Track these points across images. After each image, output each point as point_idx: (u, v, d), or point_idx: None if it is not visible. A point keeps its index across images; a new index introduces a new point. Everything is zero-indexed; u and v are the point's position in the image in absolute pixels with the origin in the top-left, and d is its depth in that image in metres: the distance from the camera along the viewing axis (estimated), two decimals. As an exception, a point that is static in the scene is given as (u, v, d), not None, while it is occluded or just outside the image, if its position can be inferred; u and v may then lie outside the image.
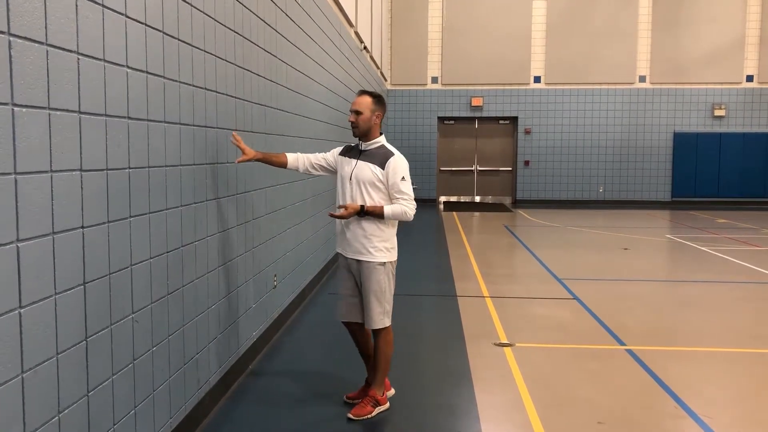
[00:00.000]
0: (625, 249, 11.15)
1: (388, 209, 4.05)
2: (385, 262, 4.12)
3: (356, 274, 4.18)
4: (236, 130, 4.61)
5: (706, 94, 19.53)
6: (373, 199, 4.07)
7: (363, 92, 4.23)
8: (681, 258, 10.58)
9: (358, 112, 4.12)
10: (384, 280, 4.12)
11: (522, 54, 19.64)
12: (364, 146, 4.20)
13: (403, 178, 4.07)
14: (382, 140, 4.21)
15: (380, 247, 4.10)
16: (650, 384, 4.71)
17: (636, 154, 19.77)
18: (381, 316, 4.12)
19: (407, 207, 4.07)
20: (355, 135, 4.21)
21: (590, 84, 19.63)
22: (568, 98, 19.73)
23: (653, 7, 19.32)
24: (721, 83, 19.48)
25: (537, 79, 19.76)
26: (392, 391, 4.36)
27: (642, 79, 19.60)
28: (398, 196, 4.06)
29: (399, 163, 4.11)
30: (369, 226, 4.09)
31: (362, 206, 4.04)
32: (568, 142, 19.84)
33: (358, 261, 4.14)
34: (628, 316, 6.59)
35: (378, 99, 4.20)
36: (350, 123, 4.20)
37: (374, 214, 4.05)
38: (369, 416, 4.10)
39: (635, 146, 19.75)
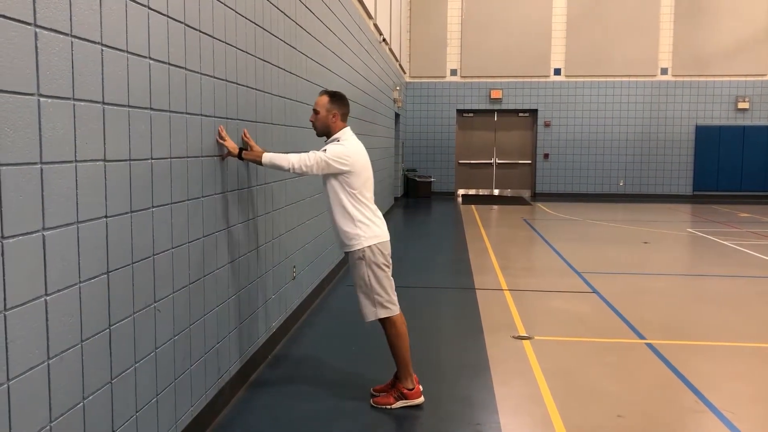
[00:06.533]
0: (646, 243, 11.06)
1: (267, 155, 4.06)
2: (363, 252, 4.04)
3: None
4: (257, 122, 4.63)
5: (729, 87, 19.27)
6: (333, 188, 4.07)
7: (322, 92, 4.26)
8: (702, 252, 10.47)
9: (315, 111, 4.18)
10: (366, 273, 4.06)
11: (542, 46, 19.49)
12: (325, 143, 4.24)
13: (324, 150, 4.04)
14: (339, 134, 4.17)
15: (350, 234, 4.06)
16: (670, 378, 4.68)
17: (657, 147, 19.57)
18: (371, 308, 4.10)
19: (300, 156, 4.01)
20: (317, 135, 4.26)
21: (611, 76, 19.44)
22: (588, 91, 19.56)
23: (676, -2, 19.09)
24: (745, 75, 19.20)
25: (557, 72, 19.61)
26: (421, 399, 4.20)
27: (664, 71, 19.37)
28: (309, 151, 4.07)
29: (331, 144, 4.10)
30: (334, 212, 4.10)
31: (240, 149, 4.07)
32: (588, 135, 19.69)
33: (345, 254, 4.19)
34: (648, 310, 6.54)
35: (335, 97, 4.21)
36: (311, 122, 4.25)
37: (252, 160, 4.08)
38: (389, 406, 4.12)
39: (656, 139, 19.55)
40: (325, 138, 4.24)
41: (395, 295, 4.18)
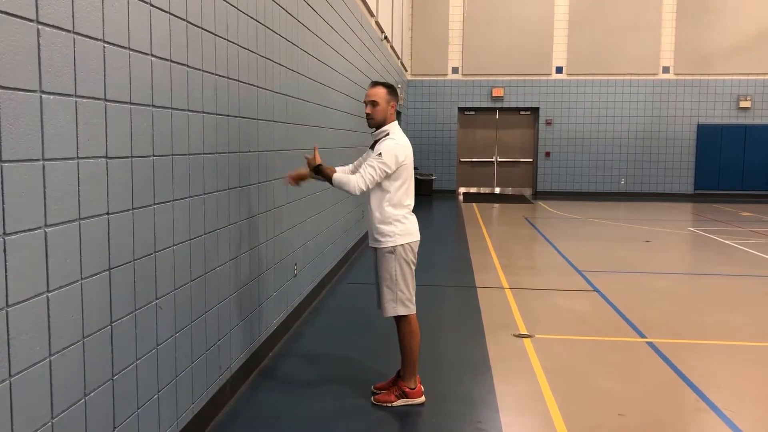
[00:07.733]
0: (647, 241, 11.05)
1: (336, 176, 4.05)
2: (394, 248, 4.05)
3: (374, 261, 4.20)
4: (258, 119, 4.63)
5: (731, 86, 19.24)
6: (380, 186, 4.05)
7: (376, 83, 4.22)
8: (704, 251, 10.46)
9: (374, 103, 4.12)
10: (394, 267, 4.05)
11: (544, 44, 19.47)
12: (374, 136, 4.23)
13: (380, 153, 3.99)
14: (389, 128, 4.15)
15: (385, 231, 4.04)
16: (672, 377, 4.68)
17: (659, 146, 19.55)
18: (392, 304, 4.09)
19: (365, 178, 3.96)
20: (370, 126, 4.21)
21: (613, 75, 19.41)
22: (590, 89, 19.54)
23: (678, -4, 19.05)
24: (747, 74, 19.17)
25: (559, 70, 19.58)
26: (422, 399, 4.20)
27: (666, 70, 19.34)
28: (366, 164, 4.01)
29: (385, 143, 4.04)
30: (370, 207, 4.10)
31: (318, 165, 4.11)
32: (589, 134, 19.67)
33: (374, 249, 4.16)
34: (650, 309, 6.53)
35: (391, 89, 4.21)
36: (366, 114, 4.19)
37: (324, 176, 4.10)
38: (391, 404, 4.12)
39: (658, 138, 19.53)
40: (373, 129, 4.21)
41: (414, 295, 4.17)
